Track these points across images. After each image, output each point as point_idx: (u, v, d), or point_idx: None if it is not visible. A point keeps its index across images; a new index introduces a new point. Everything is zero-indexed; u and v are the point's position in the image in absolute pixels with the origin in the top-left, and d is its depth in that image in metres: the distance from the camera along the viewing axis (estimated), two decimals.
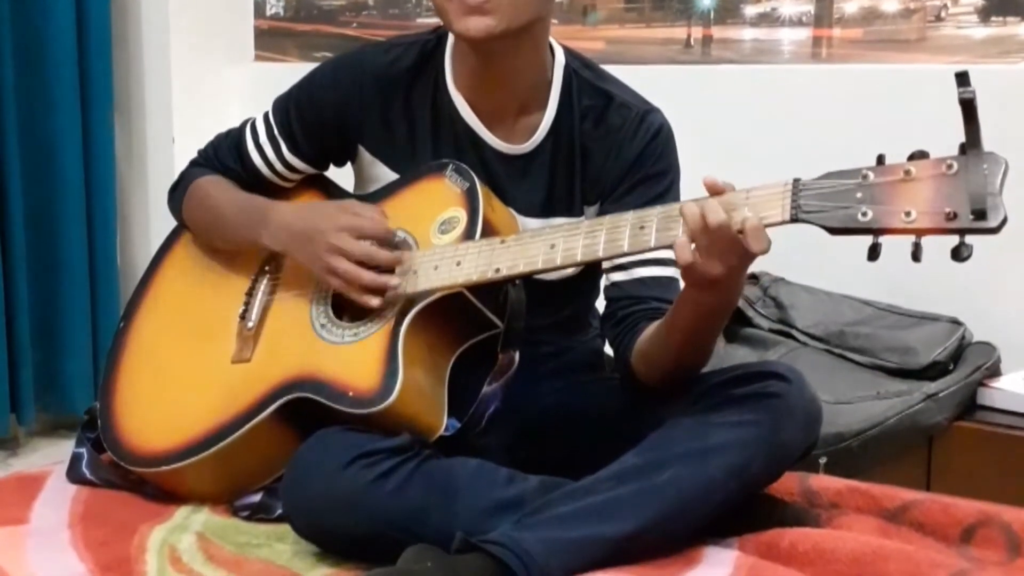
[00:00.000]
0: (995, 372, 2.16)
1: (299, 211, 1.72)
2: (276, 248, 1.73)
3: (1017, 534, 1.53)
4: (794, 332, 2.33)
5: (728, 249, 1.37)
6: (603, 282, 1.72)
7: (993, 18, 2.31)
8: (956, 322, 2.22)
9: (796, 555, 1.47)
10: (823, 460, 1.98)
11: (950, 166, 1.27)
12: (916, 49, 2.39)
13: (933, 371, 2.16)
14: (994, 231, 1.24)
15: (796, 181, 1.35)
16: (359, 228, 1.63)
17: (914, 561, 1.38)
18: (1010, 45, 2.29)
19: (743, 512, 1.54)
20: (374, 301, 1.60)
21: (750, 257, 1.38)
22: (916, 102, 2.33)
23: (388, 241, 1.64)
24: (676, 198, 1.71)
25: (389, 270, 1.62)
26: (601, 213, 1.71)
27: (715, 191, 1.39)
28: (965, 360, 2.18)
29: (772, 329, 2.35)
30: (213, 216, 1.82)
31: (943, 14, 2.36)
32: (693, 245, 1.39)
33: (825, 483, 1.70)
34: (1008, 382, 2.13)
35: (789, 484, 1.65)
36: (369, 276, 1.61)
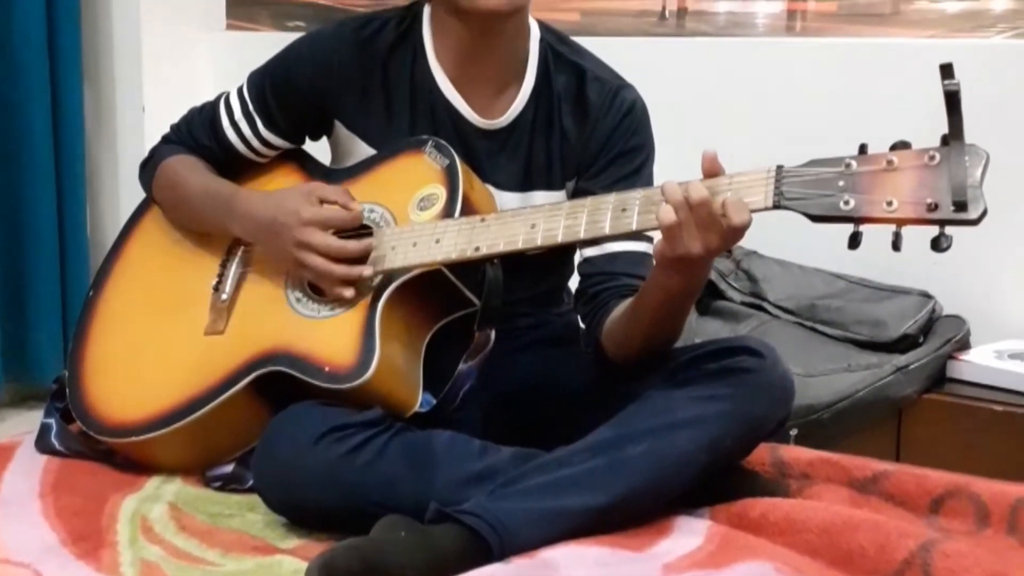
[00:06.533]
0: (964, 345, 2.18)
1: (264, 201, 1.69)
2: (246, 238, 1.72)
3: (986, 505, 1.54)
4: (766, 305, 2.34)
5: (709, 226, 1.37)
6: (576, 257, 1.72)
7: None
8: (926, 295, 2.24)
9: (767, 525, 1.48)
10: (794, 432, 2.00)
11: (932, 157, 1.27)
12: (890, 23, 2.40)
13: (903, 344, 2.17)
14: (974, 223, 1.25)
15: (779, 168, 1.35)
16: (325, 220, 1.60)
17: (883, 531, 1.40)
18: (983, 19, 2.29)
19: (715, 482, 1.55)
20: (348, 292, 1.59)
21: (732, 235, 1.38)
22: (890, 76, 2.34)
23: (356, 225, 1.61)
24: (650, 174, 1.72)
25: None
26: (576, 189, 1.72)
27: (712, 170, 1.39)
28: (935, 333, 2.20)
29: (744, 302, 2.36)
30: (181, 200, 1.80)
31: None
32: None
33: (796, 454, 1.71)
34: (977, 355, 2.15)
35: (760, 455, 1.66)
36: (342, 269, 1.59)
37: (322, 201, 1.63)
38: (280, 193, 1.68)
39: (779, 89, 2.46)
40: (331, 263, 1.59)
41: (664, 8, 2.63)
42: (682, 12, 2.61)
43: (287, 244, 1.62)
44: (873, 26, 2.41)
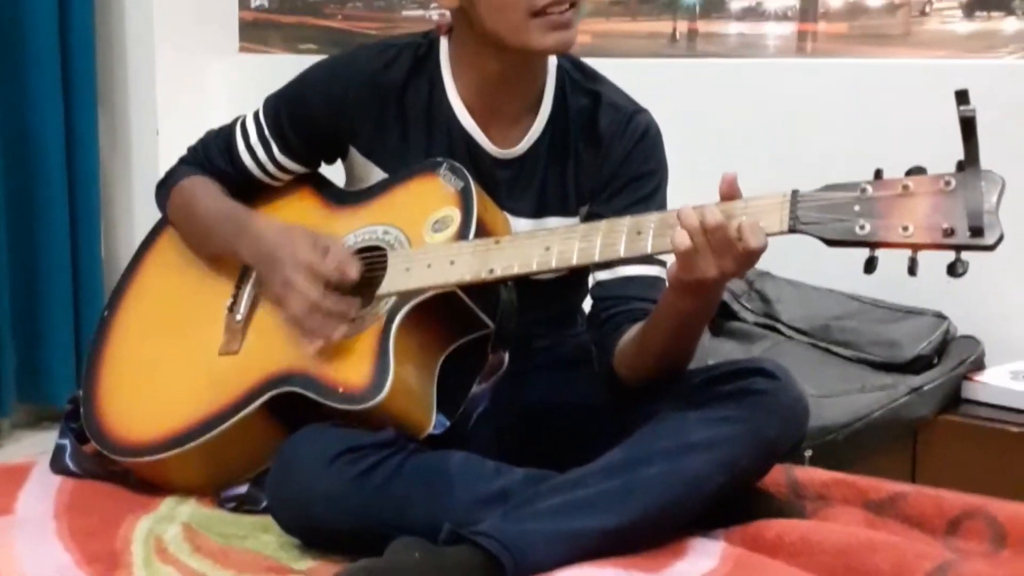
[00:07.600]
0: (979, 366, 2.17)
1: (274, 231, 1.68)
2: (249, 262, 1.72)
3: (1002, 526, 1.54)
4: (779, 326, 2.33)
5: (724, 250, 1.37)
6: (589, 280, 1.72)
7: (977, 13, 2.32)
8: (941, 316, 2.24)
9: (783, 546, 1.47)
10: (808, 453, 1.99)
11: (948, 183, 1.27)
12: (901, 44, 2.40)
13: (918, 365, 2.17)
14: (990, 248, 1.25)
15: (795, 192, 1.35)
16: (317, 271, 1.59)
17: (900, 552, 1.39)
18: (994, 40, 2.30)
19: (729, 504, 1.55)
20: (313, 345, 1.58)
21: (747, 259, 1.38)
22: (901, 96, 2.34)
23: (345, 288, 1.60)
24: (663, 199, 1.72)
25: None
26: (590, 214, 1.72)
27: (730, 193, 1.39)
28: (949, 354, 2.19)
29: (757, 323, 2.35)
30: (195, 222, 1.81)
31: (927, 9, 2.37)
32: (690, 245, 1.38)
33: (811, 475, 1.70)
34: (992, 376, 2.15)
35: (775, 476, 1.65)
36: (314, 322, 1.57)
37: (326, 253, 1.61)
38: (292, 229, 1.68)
39: (790, 110, 2.46)
40: (308, 312, 1.57)
41: (675, 30, 2.64)
42: (693, 33, 2.62)
43: (276, 277, 1.62)
44: (884, 47, 2.42)
